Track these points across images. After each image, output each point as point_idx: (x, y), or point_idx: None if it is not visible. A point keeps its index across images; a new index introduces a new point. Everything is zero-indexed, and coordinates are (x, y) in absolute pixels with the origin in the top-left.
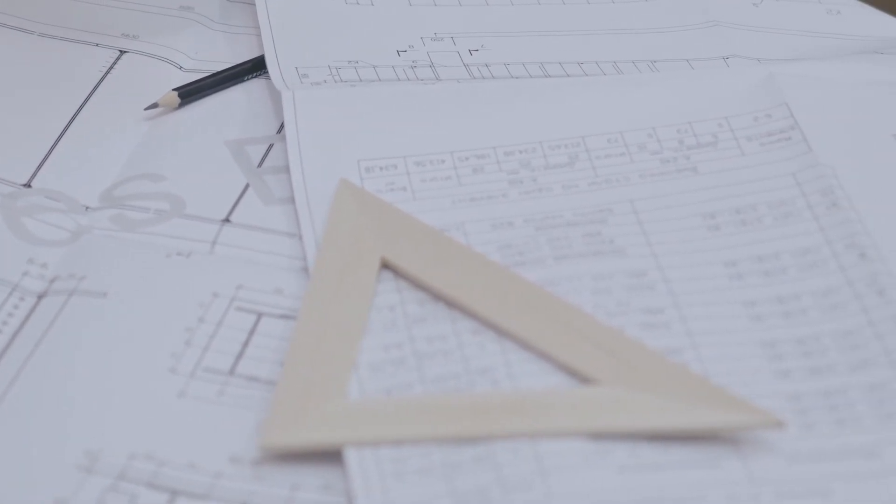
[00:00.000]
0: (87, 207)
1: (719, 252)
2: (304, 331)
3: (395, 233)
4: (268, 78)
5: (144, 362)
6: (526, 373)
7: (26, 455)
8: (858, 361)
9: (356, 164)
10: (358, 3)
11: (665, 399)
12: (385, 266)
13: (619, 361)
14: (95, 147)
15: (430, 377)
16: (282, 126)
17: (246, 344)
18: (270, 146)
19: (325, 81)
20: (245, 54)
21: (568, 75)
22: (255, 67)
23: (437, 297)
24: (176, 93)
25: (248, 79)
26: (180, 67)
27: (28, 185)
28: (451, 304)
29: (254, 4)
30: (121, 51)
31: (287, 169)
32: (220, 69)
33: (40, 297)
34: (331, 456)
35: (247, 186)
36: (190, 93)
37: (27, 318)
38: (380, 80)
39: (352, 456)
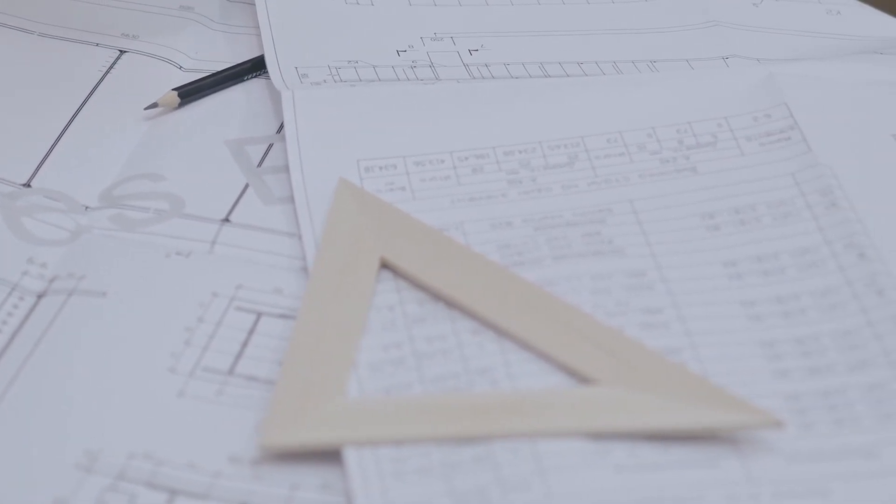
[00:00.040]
0: (86, 207)
1: (718, 252)
2: (303, 330)
3: (394, 232)
4: (267, 78)
5: (144, 362)
6: (525, 373)
7: (26, 454)
8: (857, 361)
9: (356, 164)
10: (358, 3)
11: (664, 399)
12: (384, 266)
13: (619, 361)
14: (95, 147)
15: (430, 377)
16: (281, 126)
17: (245, 344)
18: (270, 146)
19: (324, 81)
20: (245, 54)
21: (567, 75)
22: (255, 67)
23: (437, 296)
24: (176, 92)
25: (247, 79)
26: (180, 67)
27: (28, 185)
28: (450, 303)
29: (254, 4)
30: (121, 51)
31: (287, 169)
32: (219, 69)
33: (40, 296)
34: (330, 455)
35: (246, 186)
36: (190, 92)
37: (27, 317)
38: (379, 79)
39: (351, 455)
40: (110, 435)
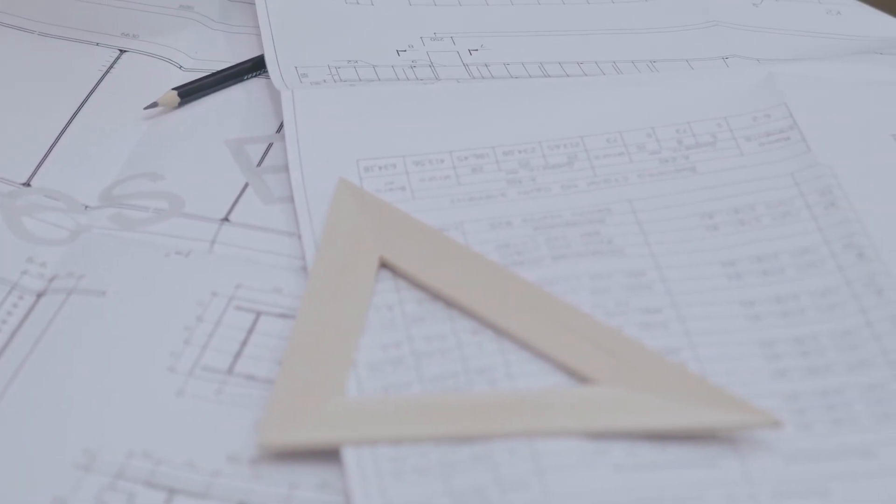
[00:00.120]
0: (86, 206)
1: (718, 252)
2: (302, 330)
3: (393, 232)
4: (267, 77)
5: (143, 361)
6: (524, 372)
7: (25, 453)
8: (856, 361)
9: (355, 164)
10: (358, 3)
11: (663, 399)
12: (384, 265)
13: (618, 361)
14: (95, 146)
15: (429, 376)
16: (281, 125)
17: (244, 343)
18: (270, 145)
19: (324, 81)
20: (245, 54)
21: (567, 75)
22: (255, 67)
23: (436, 296)
24: (176, 92)
25: (247, 78)
26: (180, 67)
27: (27, 184)
28: (449, 303)
29: (253, 4)
30: (121, 50)
31: (286, 168)
32: (219, 68)
33: (39, 295)
34: (329, 455)
35: (246, 185)
36: (190, 92)
37: (26, 316)
38: (379, 79)
39: (349, 455)
40: (109, 434)
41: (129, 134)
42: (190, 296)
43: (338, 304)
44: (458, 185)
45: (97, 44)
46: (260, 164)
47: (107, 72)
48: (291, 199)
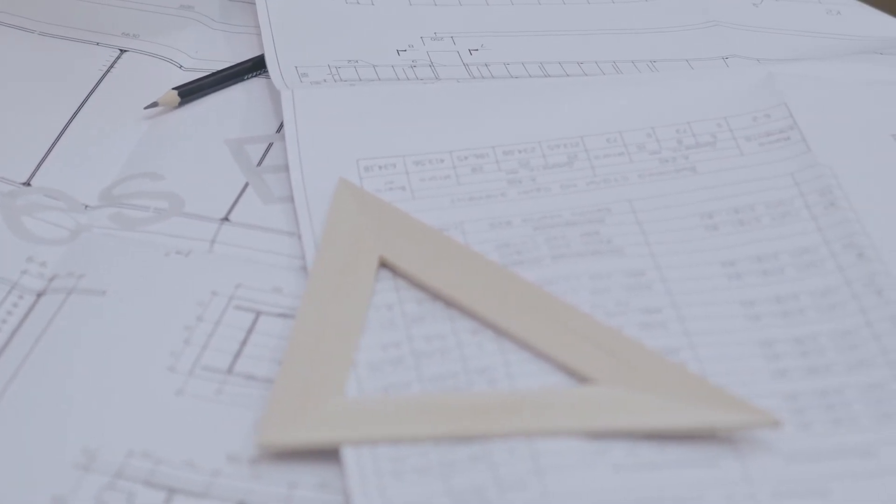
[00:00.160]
0: (86, 206)
1: (717, 252)
2: (302, 329)
3: (393, 232)
4: (268, 77)
5: (143, 360)
6: (524, 372)
7: (24, 453)
8: (856, 361)
9: (355, 164)
10: (358, 3)
11: (663, 398)
12: (384, 265)
13: (618, 361)
14: (95, 146)
15: (429, 376)
16: (281, 125)
17: (244, 342)
18: (270, 145)
19: (324, 81)
20: (245, 53)
21: (567, 75)
22: (255, 66)
23: (436, 296)
24: (176, 92)
25: (247, 78)
26: (180, 66)
27: (28, 184)
28: (449, 303)
29: (254, 4)
30: (121, 50)
31: (286, 168)
32: (220, 68)
33: (39, 295)
34: (328, 454)
35: (246, 185)
36: (190, 92)
37: (26, 316)
38: (379, 79)
39: (349, 454)
40: (109, 433)
41: (129, 133)
42: (190, 295)
43: (338, 304)
44: (458, 184)
45: (97, 43)
46: (260, 163)
47: (107, 71)
48: (291, 199)
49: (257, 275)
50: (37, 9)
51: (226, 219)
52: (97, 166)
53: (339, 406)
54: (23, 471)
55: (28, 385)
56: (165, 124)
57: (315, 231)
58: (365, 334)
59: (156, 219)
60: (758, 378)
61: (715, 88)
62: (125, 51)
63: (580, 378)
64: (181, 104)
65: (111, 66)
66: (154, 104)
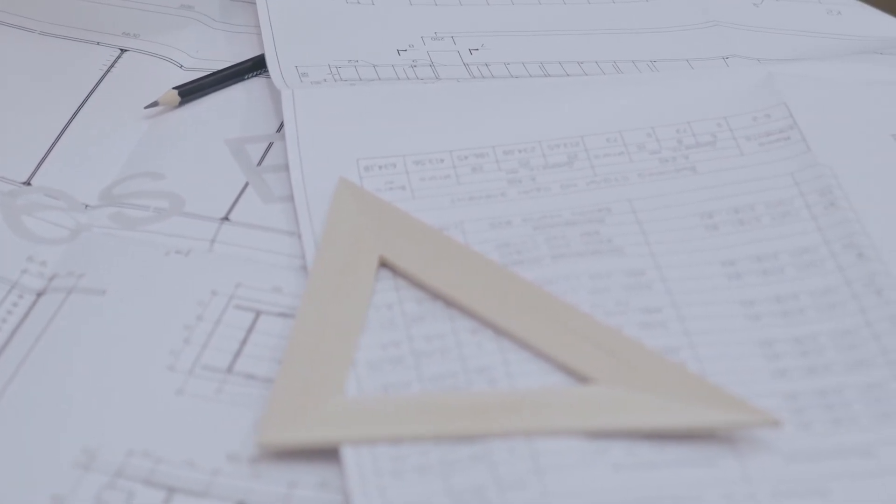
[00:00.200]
0: (86, 205)
1: (717, 251)
2: (302, 329)
3: (393, 232)
4: (268, 77)
5: (143, 360)
6: (524, 372)
7: (24, 452)
8: (855, 361)
9: (355, 163)
10: (358, 3)
11: (662, 398)
12: (383, 264)
13: (617, 361)
14: (95, 145)
15: (428, 376)
16: (282, 125)
17: (244, 342)
18: (270, 145)
19: (324, 80)
20: (245, 53)
21: (568, 75)
22: (256, 66)
23: (436, 295)
24: (176, 91)
25: (248, 77)
26: (181, 66)
27: (28, 183)
28: (449, 302)
29: (254, 3)
30: (121, 49)
31: (286, 167)
32: (220, 68)
33: (39, 294)
34: (328, 453)
35: (246, 185)
36: (190, 91)
37: (26, 315)
38: (380, 79)
39: (349, 454)
40: (109, 432)
41: (129, 133)
42: (190, 295)
43: (337, 304)
44: (457, 184)
45: (98, 43)
46: (260, 163)
47: (107, 71)
48: (291, 199)
49: (257, 274)
50: (37, 8)
51: (226, 218)
52: (97, 166)
53: (338, 405)
54: (23, 470)
55: (28, 384)
56: (166, 124)
57: (315, 230)
58: (365, 334)
59: (156, 218)
60: (757, 378)
61: (715, 88)
62: (125, 50)
63: (580, 378)
64: (181, 104)
65: (111, 66)
66: (154, 104)
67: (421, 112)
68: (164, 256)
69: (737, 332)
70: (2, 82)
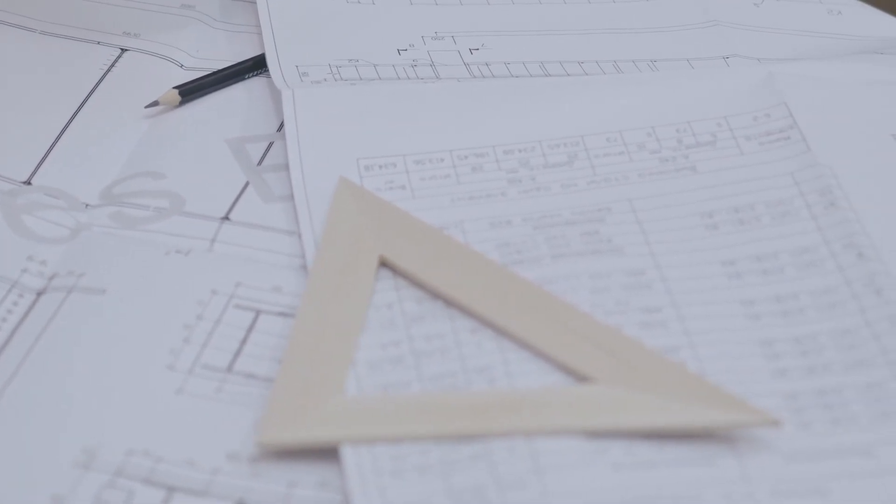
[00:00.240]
0: (86, 205)
1: (717, 251)
2: (302, 328)
3: (393, 231)
4: (268, 76)
5: (143, 359)
6: (523, 371)
7: (24, 451)
8: (855, 361)
9: (355, 163)
10: (359, 2)
11: (662, 398)
12: (383, 264)
13: (617, 360)
14: (96, 145)
15: (428, 375)
16: (282, 124)
17: (244, 341)
18: (270, 144)
19: (325, 80)
20: (246, 53)
21: (568, 74)
22: (256, 66)
23: (436, 295)
24: (176, 91)
25: (248, 77)
26: (181, 65)
27: (28, 183)
28: (449, 302)
29: (255, 3)
30: (122, 49)
31: (287, 167)
32: (220, 67)
33: (39, 293)
34: (328, 453)
35: (246, 184)
36: (190, 91)
37: (26, 314)
38: (380, 78)
39: (348, 453)
40: (109, 432)
41: (129, 132)
42: (190, 294)
43: (337, 303)
44: (458, 184)
45: (98, 42)
46: (260, 162)
47: (108, 70)
48: (292, 198)
49: (257, 274)
50: (38, 8)
51: (226, 218)
52: (98, 165)
53: (338, 405)
54: (22, 469)
55: (28, 384)
56: (166, 123)
57: (315, 230)
58: (365, 333)
59: (156, 218)
60: (757, 377)
61: (715, 88)
62: (126, 50)
63: (579, 377)
64: (182, 103)
65: (112, 65)
66: (155, 103)
67: (421, 112)
68: (164, 256)
69: (736, 331)
70: (2, 81)
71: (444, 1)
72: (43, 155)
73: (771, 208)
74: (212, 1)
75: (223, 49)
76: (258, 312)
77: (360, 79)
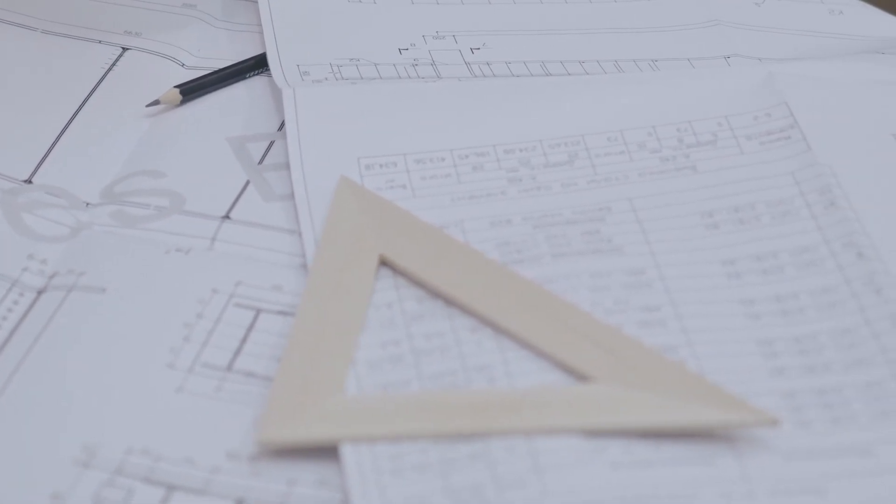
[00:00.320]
0: (87, 204)
1: (717, 250)
2: (302, 327)
3: (394, 230)
4: (269, 75)
5: (143, 358)
6: (523, 370)
7: (24, 449)
8: (854, 360)
9: (356, 162)
10: (360, 1)
11: (661, 397)
12: (384, 263)
13: (616, 359)
14: (97, 144)
15: (428, 374)
16: (283, 123)
17: (244, 340)
18: (271, 143)
19: (326, 79)
20: (247, 52)
21: (569, 74)
22: (257, 65)
23: (436, 294)
24: (178, 90)
25: (249, 76)
26: (182, 64)
27: (29, 181)
28: (449, 301)
29: (256, 2)
30: (123, 48)
31: (287, 166)
32: (221, 66)
33: (40, 292)
34: (327, 452)
35: (247, 183)
36: (192, 90)
37: (26, 313)
38: (381, 77)
39: (348, 452)
40: (108, 430)
41: (130, 131)
42: (190, 293)
43: (337, 302)
44: (458, 183)
45: (100, 41)
46: (261, 161)
47: (109, 69)
48: (292, 197)
49: (257, 272)
50: (39, 7)
51: (226, 216)
52: (98, 164)
53: (338, 404)
54: (22, 467)
55: (28, 382)
56: (167, 122)
57: (315, 229)
58: (364, 332)
59: (156, 216)
60: (756, 376)
61: (716, 87)
62: (127, 49)
63: (579, 376)
64: (183, 102)
65: (113, 64)
66: (156, 102)
67: (422, 111)
68: (164, 254)
69: (736, 330)
70: (3, 80)
71: (446, 0)
72: (44, 153)
73: (771, 208)
74: (213, 0)
75: (224, 48)
76: (258, 311)
77: (361, 78)
